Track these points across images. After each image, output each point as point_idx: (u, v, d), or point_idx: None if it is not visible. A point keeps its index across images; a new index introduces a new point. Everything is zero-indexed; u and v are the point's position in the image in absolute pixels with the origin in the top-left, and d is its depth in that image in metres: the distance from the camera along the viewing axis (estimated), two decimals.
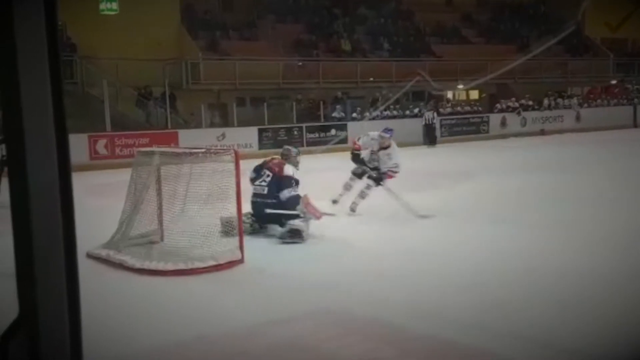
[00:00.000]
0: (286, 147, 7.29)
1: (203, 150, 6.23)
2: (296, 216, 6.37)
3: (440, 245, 6.14)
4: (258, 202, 6.60)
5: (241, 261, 5.47)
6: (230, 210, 5.59)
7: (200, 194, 5.72)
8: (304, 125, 17.87)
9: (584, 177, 10.58)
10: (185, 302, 4.53)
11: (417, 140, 18.42)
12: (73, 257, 1.00)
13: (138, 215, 5.96)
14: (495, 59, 17.70)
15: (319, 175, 9.51)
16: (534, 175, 10.97)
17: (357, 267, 5.36)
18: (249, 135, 16.71)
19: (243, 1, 21.30)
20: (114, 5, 16.84)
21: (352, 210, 7.66)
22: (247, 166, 6.61)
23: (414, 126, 18.69)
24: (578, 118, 23.21)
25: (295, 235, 6.23)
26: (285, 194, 6.45)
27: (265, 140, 16.91)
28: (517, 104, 22.11)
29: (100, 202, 8.44)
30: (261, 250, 6.00)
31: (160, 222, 6.09)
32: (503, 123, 21.55)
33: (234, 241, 5.54)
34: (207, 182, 5.74)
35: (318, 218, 6.55)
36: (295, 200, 6.45)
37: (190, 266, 5.22)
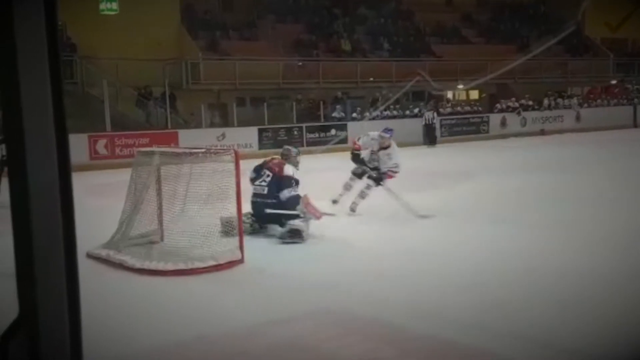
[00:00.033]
0: (286, 147, 7.29)
1: (203, 150, 6.24)
2: (296, 216, 6.37)
3: (440, 245, 6.14)
4: (258, 202, 6.60)
5: (241, 261, 5.47)
6: (230, 210, 5.59)
7: (200, 194, 5.72)
8: (304, 125, 17.88)
9: (584, 177, 10.58)
10: (185, 302, 4.54)
11: (417, 140, 18.42)
12: (73, 257, 1.00)
13: (138, 215, 5.96)
14: (495, 59, 17.70)
15: (319, 175, 9.51)
16: (534, 175, 10.97)
17: (357, 267, 5.36)
18: (249, 135, 16.71)
19: (243, 1, 21.30)
20: (114, 5, 16.85)
21: (352, 210, 7.66)
22: (247, 166, 6.61)
23: (414, 126, 18.69)
24: (578, 118, 23.21)
25: (295, 235, 6.24)
26: (285, 193, 6.46)
27: (265, 140, 16.91)
28: (517, 104, 22.11)
29: (100, 202, 8.44)
30: (261, 250, 6.00)
31: (160, 222, 6.09)
32: (503, 123, 21.55)
33: (234, 241, 5.54)
34: (207, 182, 5.74)
35: (318, 218, 6.55)
36: (295, 200, 6.45)
37: (190, 266, 5.22)
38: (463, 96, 24.12)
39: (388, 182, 7.73)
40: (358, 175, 7.95)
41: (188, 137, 14.87)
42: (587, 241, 5.97)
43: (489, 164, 13.22)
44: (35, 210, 0.94)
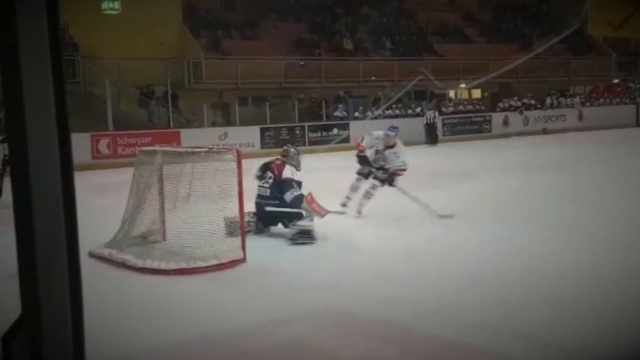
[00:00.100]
0: (285, 147, 7.25)
1: (205, 149, 6.26)
2: (299, 214, 6.39)
3: (440, 245, 6.15)
4: (262, 203, 6.64)
5: (243, 261, 5.49)
6: (233, 210, 5.60)
7: (203, 193, 5.74)
8: (306, 124, 17.87)
9: (584, 177, 10.55)
10: (186, 301, 4.55)
11: (420, 139, 18.38)
12: (75, 256, 1.00)
13: (140, 214, 5.98)
14: (497, 58, 17.68)
15: (321, 174, 9.51)
16: (534, 175, 10.95)
17: (357, 267, 5.38)
18: (251, 134, 16.72)
19: (245, 0, 21.30)
20: (116, 5, 16.88)
21: (359, 212, 7.56)
22: (249, 165, 6.62)
23: (416, 125, 18.66)
24: (580, 117, 23.16)
25: (306, 236, 6.25)
26: (289, 195, 6.47)
27: (267, 139, 16.91)
28: (519, 103, 22.08)
29: (102, 201, 8.46)
30: (263, 249, 6.01)
31: (163, 222, 6.11)
32: (505, 122, 21.52)
33: (236, 241, 5.55)
34: (209, 182, 5.75)
35: (322, 216, 6.54)
36: (299, 200, 6.46)
37: (192, 265, 5.24)
38: (465, 95, 24.10)
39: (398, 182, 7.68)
40: (364, 175, 7.87)
41: (190, 137, 14.88)
42: (587, 241, 5.97)
43: (489, 164, 13.20)
44: (38, 210, 0.94)
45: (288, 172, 6.63)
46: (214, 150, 6.45)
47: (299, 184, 6.61)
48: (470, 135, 20.38)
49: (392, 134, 7.72)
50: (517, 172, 11.60)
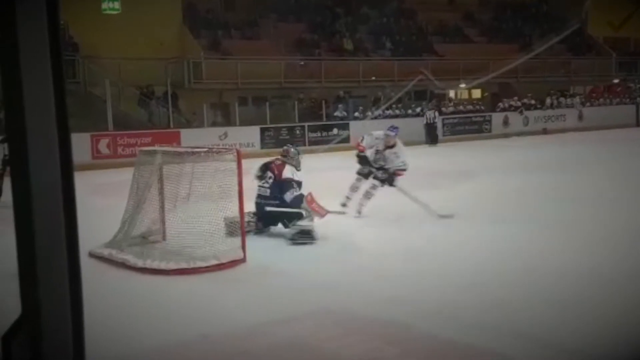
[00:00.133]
0: (285, 147, 7.24)
1: (205, 149, 6.26)
2: (298, 214, 6.39)
3: (440, 245, 6.15)
4: (262, 203, 6.64)
5: (243, 260, 5.49)
6: (233, 210, 5.60)
7: (203, 193, 5.74)
8: (305, 124, 17.87)
9: (584, 177, 10.55)
10: (186, 301, 4.56)
11: (420, 139, 18.39)
12: (75, 256, 0.99)
13: (140, 214, 5.98)
14: (497, 58, 17.69)
15: (321, 174, 9.51)
16: (534, 175, 10.96)
17: (357, 267, 5.38)
18: (251, 134, 16.73)
19: (245, 0, 21.30)
20: (116, 5, 16.88)
21: (359, 212, 7.56)
22: (249, 165, 6.62)
23: (416, 125, 18.66)
24: (580, 117, 23.17)
25: (306, 236, 6.25)
26: (289, 195, 6.47)
27: (267, 139, 16.92)
28: (519, 103, 22.09)
29: (102, 201, 8.46)
30: (263, 249, 6.02)
31: (163, 222, 6.11)
32: (505, 122, 21.53)
33: (236, 241, 5.55)
34: (209, 182, 5.76)
35: (322, 216, 6.54)
36: (299, 200, 6.46)
37: (192, 265, 5.24)
38: (465, 95, 24.11)
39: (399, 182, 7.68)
40: (364, 175, 7.86)
41: (190, 137, 14.88)
42: (587, 241, 5.97)
43: (489, 164, 13.20)
44: (38, 210, 0.94)
45: (288, 172, 6.63)
46: (214, 150, 6.45)
47: (299, 184, 6.61)
48: (470, 135, 20.38)
49: (392, 133, 7.72)
50: (517, 172, 11.60)
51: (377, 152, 7.75)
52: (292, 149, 6.99)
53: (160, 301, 4.55)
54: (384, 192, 7.73)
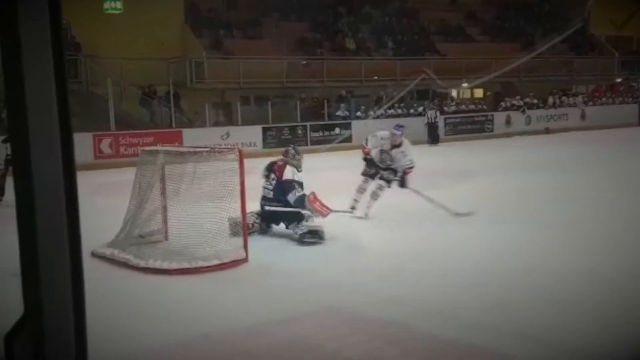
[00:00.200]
0: (286, 148, 7.24)
1: (207, 149, 6.27)
2: (300, 214, 6.40)
3: (440, 245, 6.16)
4: (266, 204, 6.66)
5: (245, 260, 5.50)
6: (236, 209, 5.59)
7: (205, 192, 5.75)
8: (307, 124, 17.88)
9: (584, 177, 10.53)
10: (188, 301, 4.57)
11: (422, 138, 18.37)
12: (78, 256, 1.00)
13: (142, 214, 6.00)
14: (499, 57, 17.69)
15: (323, 174, 9.52)
16: (534, 175, 10.94)
17: (358, 267, 5.39)
18: (253, 134, 16.74)
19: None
20: (118, 4, 16.92)
21: (366, 214, 7.51)
22: (252, 165, 6.62)
23: (418, 125, 18.66)
24: (583, 116, 23.14)
25: (315, 236, 6.26)
26: (291, 197, 6.48)
27: (270, 139, 16.93)
28: (521, 102, 22.06)
29: (104, 201, 8.48)
30: (265, 249, 6.03)
31: (165, 221, 6.12)
32: (508, 121, 21.50)
33: (238, 240, 5.56)
34: (211, 181, 5.77)
35: (325, 215, 6.55)
36: (302, 200, 6.47)
37: (194, 265, 5.25)
38: (467, 94, 24.09)
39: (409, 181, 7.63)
40: (371, 176, 7.81)
41: (192, 136, 14.92)
42: (587, 241, 5.97)
43: (490, 163, 13.17)
44: (40, 210, 0.94)
45: (289, 173, 6.64)
46: (216, 150, 6.46)
47: (300, 184, 6.61)
48: (472, 134, 20.36)
49: (399, 132, 7.67)
50: (517, 172, 11.58)
51: (382, 152, 7.70)
52: (292, 150, 6.99)
53: (162, 301, 4.56)
54: (387, 192, 7.72)
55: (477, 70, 16.34)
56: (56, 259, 0.97)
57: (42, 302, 0.96)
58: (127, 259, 5.46)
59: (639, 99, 25.17)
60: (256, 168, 6.94)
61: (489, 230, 6.68)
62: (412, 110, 19.98)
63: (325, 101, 18.94)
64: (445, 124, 20.06)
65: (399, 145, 7.64)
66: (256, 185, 6.74)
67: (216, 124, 17.34)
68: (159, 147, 6.90)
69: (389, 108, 18.52)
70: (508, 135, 20.72)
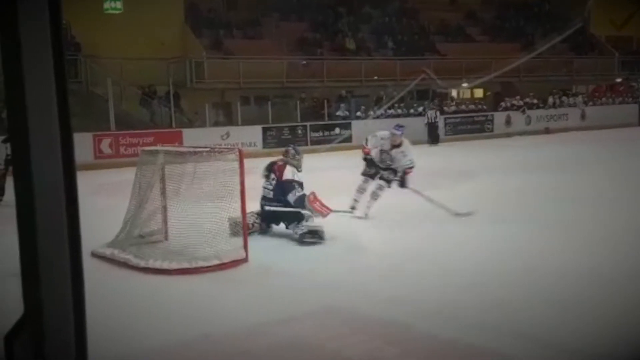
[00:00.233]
0: (286, 148, 7.24)
1: (207, 149, 6.27)
2: (299, 214, 6.40)
3: (440, 245, 6.16)
4: (266, 204, 6.66)
5: (245, 260, 5.50)
6: (236, 209, 5.59)
7: (205, 192, 5.75)
8: (307, 124, 17.88)
9: (584, 177, 10.53)
10: (188, 301, 4.57)
11: (422, 138, 18.37)
12: (78, 256, 1.00)
13: (142, 214, 6.00)
14: (499, 57, 17.70)
15: (323, 174, 9.52)
16: (534, 175, 10.94)
17: (358, 267, 5.39)
18: (253, 134, 16.75)
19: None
20: (118, 4, 16.92)
21: (366, 214, 7.52)
22: (252, 165, 6.63)
23: (418, 124, 18.66)
24: (583, 116, 23.14)
25: (315, 236, 6.27)
26: (292, 197, 6.49)
27: (270, 139, 16.93)
28: (521, 102, 22.07)
29: (104, 201, 8.48)
30: (265, 249, 6.03)
31: (165, 221, 6.13)
32: (508, 121, 21.51)
33: (238, 240, 5.56)
34: (211, 181, 5.77)
35: (325, 215, 6.55)
36: (302, 200, 6.48)
37: (194, 265, 5.25)
38: (467, 94, 24.10)
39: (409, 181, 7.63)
40: (371, 176, 7.81)
41: (192, 136, 14.93)
42: (587, 241, 5.97)
43: (490, 163, 13.17)
44: (40, 210, 0.94)
45: (289, 173, 6.64)
46: (216, 149, 6.46)
47: (300, 184, 6.61)
48: (472, 134, 20.37)
49: (399, 132, 7.67)
50: (517, 172, 11.58)
51: (382, 152, 7.70)
52: (292, 150, 6.99)
53: (162, 301, 4.57)
54: (387, 192, 7.72)
55: (477, 70, 16.35)
56: (56, 259, 0.96)
57: (42, 302, 0.96)
58: (127, 259, 5.46)
59: (639, 99, 25.17)
60: (256, 168, 6.94)
61: (489, 230, 6.68)
62: (412, 110, 19.98)
63: (325, 101, 18.95)
64: (445, 124, 20.07)
65: (399, 145, 7.65)
66: (256, 185, 6.74)
67: (216, 124, 17.35)
68: (159, 147, 6.90)
69: (389, 108, 18.52)
70: (508, 135, 20.72)
